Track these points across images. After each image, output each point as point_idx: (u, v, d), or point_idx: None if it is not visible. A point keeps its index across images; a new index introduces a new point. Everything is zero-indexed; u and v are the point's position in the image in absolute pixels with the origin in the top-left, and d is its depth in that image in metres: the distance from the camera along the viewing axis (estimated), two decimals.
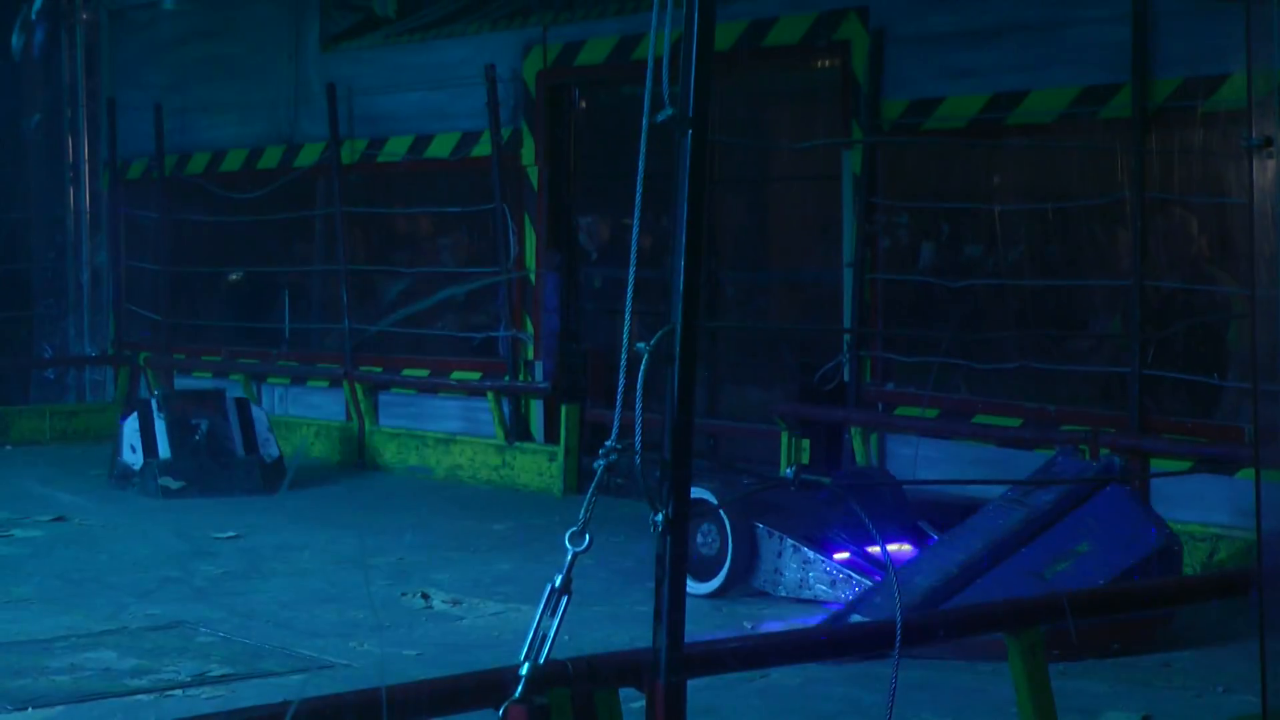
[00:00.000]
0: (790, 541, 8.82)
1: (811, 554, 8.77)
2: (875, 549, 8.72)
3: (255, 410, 13.07)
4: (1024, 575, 7.71)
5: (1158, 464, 9.36)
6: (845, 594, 8.52)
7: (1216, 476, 8.98)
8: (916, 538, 9.03)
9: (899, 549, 8.91)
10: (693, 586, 8.43)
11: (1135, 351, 9.52)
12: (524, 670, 3.80)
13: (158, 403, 12.82)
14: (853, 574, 8.66)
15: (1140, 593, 6.53)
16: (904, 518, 9.14)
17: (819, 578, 8.75)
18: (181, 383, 15.53)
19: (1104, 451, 9.25)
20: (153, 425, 12.61)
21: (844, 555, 8.82)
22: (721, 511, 8.83)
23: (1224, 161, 9.01)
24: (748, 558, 8.91)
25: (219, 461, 12.54)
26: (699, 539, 8.95)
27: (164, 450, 12.50)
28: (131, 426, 12.69)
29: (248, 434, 12.72)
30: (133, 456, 12.62)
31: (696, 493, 8.75)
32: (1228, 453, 8.89)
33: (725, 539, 8.91)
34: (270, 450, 12.76)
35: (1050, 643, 5.39)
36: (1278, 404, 4.75)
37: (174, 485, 12.36)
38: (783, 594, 8.81)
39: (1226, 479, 8.96)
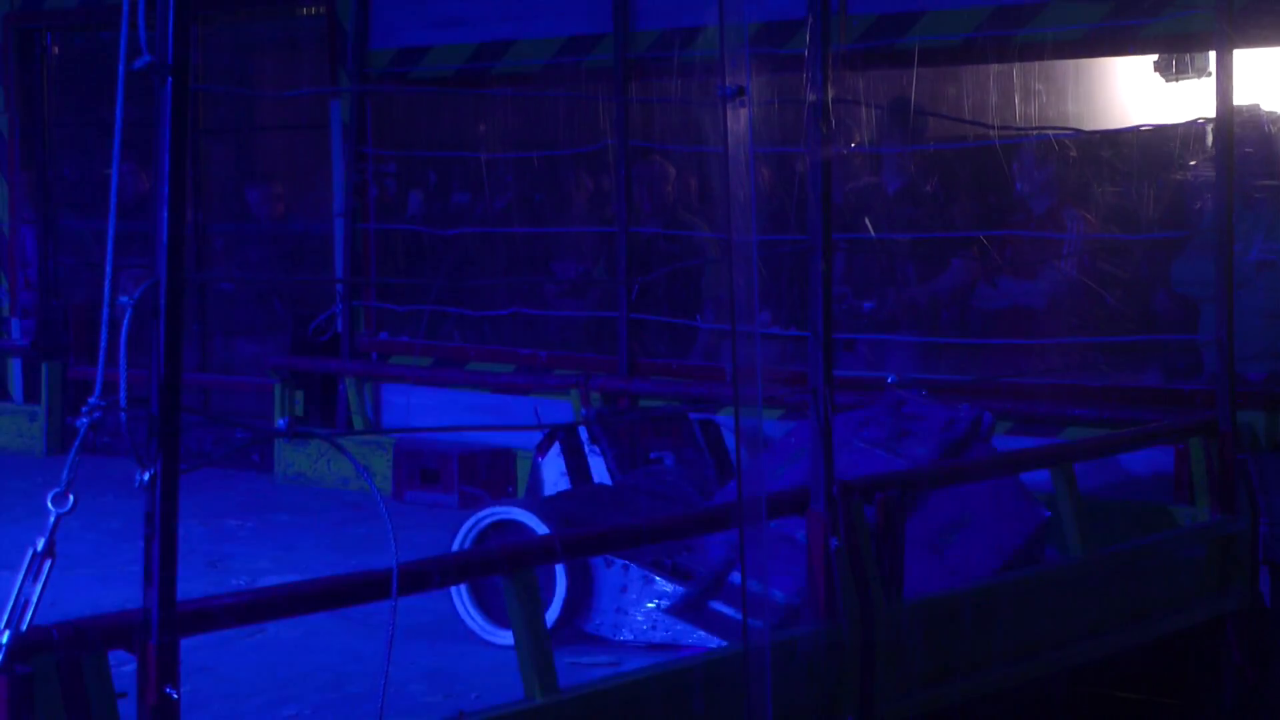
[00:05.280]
0: (638, 571, 6.53)
1: (666, 584, 6.52)
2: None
3: None
4: (917, 546, 6.06)
5: (646, 404, 9.67)
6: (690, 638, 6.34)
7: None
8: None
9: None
10: (501, 635, 6.43)
11: (622, 296, 9.79)
12: (4, 639, 3.67)
13: None
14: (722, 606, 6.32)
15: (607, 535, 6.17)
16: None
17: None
18: None
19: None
20: None
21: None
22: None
23: (700, 111, 9.33)
24: (582, 594, 6.59)
25: None
26: None
27: None
28: None
29: None
30: None
31: (511, 514, 6.78)
32: (711, 392, 9.23)
33: (553, 569, 6.47)
34: None
35: None
36: (753, 345, 4.97)
37: None
38: (627, 638, 6.55)
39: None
